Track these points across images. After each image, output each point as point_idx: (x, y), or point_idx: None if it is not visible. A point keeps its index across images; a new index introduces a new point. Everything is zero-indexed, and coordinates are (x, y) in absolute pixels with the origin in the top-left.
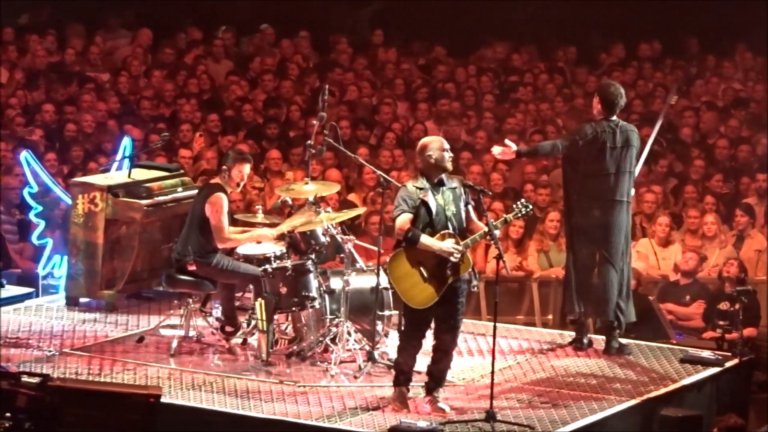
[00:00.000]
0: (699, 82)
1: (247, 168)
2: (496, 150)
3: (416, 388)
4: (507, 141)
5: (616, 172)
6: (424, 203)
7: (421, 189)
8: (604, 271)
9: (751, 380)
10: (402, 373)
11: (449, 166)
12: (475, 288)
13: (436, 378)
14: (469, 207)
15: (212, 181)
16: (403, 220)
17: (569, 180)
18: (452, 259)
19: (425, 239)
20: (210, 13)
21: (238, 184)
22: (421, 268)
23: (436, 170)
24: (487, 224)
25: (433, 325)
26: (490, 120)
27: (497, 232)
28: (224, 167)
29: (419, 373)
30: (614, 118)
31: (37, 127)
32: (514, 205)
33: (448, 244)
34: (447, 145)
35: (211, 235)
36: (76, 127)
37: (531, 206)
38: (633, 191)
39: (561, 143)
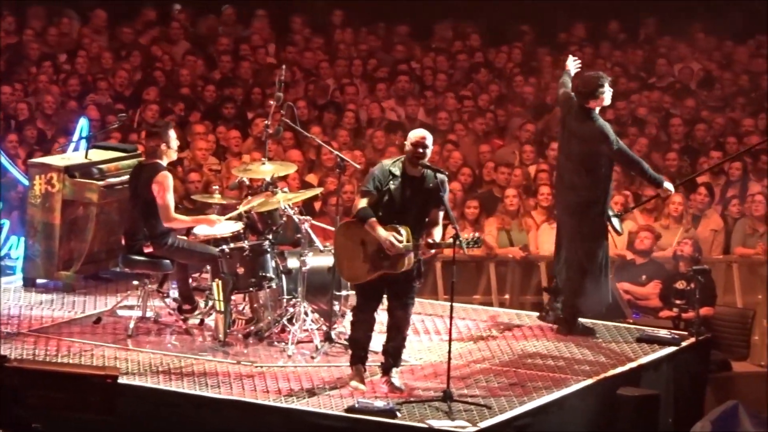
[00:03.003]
0: (660, 61)
1: (173, 132)
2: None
3: (374, 369)
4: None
5: (565, 157)
6: (390, 190)
7: (393, 175)
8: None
9: (708, 359)
10: (358, 349)
11: (413, 160)
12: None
13: (392, 356)
14: (440, 213)
15: (147, 162)
16: (362, 197)
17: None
18: (388, 251)
19: (372, 222)
20: None
21: (175, 151)
22: (362, 247)
23: (409, 161)
24: (446, 213)
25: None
26: (451, 99)
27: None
28: (162, 143)
29: (376, 353)
30: (587, 106)
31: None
32: (463, 236)
33: (387, 235)
34: (426, 143)
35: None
36: (29, 108)
37: (480, 243)
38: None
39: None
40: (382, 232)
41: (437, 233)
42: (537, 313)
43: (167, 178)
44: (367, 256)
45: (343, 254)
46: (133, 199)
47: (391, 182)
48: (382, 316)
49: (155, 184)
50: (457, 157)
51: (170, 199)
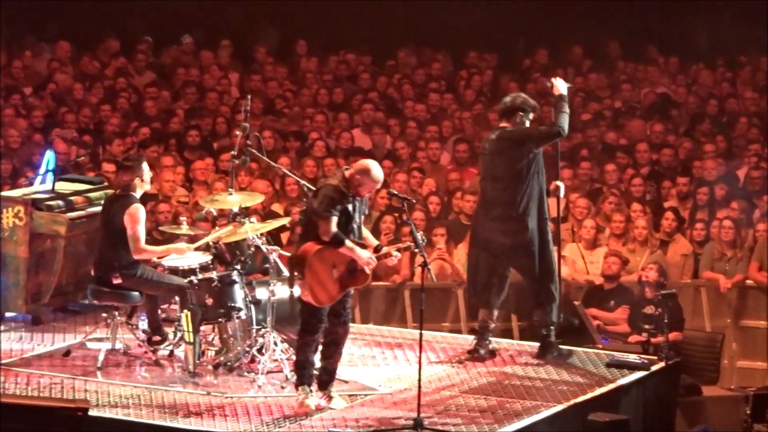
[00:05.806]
0: (625, 86)
1: (146, 164)
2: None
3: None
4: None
5: (490, 179)
6: (346, 210)
7: (346, 196)
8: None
9: (678, 383)
10: (305, 370)
11: (358, 191)
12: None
13: (329, 372)
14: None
15: (119, 192)
16: (332, 222)
17: None
18: (366, 269)
19: (349, 244)
20: (130, 25)
21: (149, 183)
22: (334, 269)
23: (353, 188)
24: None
25: None
26: (413, 129)
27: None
28: (135, 177)
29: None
30: (504, 125)
31: None
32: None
33: (368, 254)
34: (375, 180)
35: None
36: (2, 142)
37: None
38: (526, 202)
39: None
40: (362, 252)
41: (372, 237)
42: (507, 340)
43: (139, 210)
44: (338, 278)
45: (315, 280)
46: (103, 230)
47: (347, 203)
48: None
49: (127, 215)
50: (430, 185)
51: (141, 231)
